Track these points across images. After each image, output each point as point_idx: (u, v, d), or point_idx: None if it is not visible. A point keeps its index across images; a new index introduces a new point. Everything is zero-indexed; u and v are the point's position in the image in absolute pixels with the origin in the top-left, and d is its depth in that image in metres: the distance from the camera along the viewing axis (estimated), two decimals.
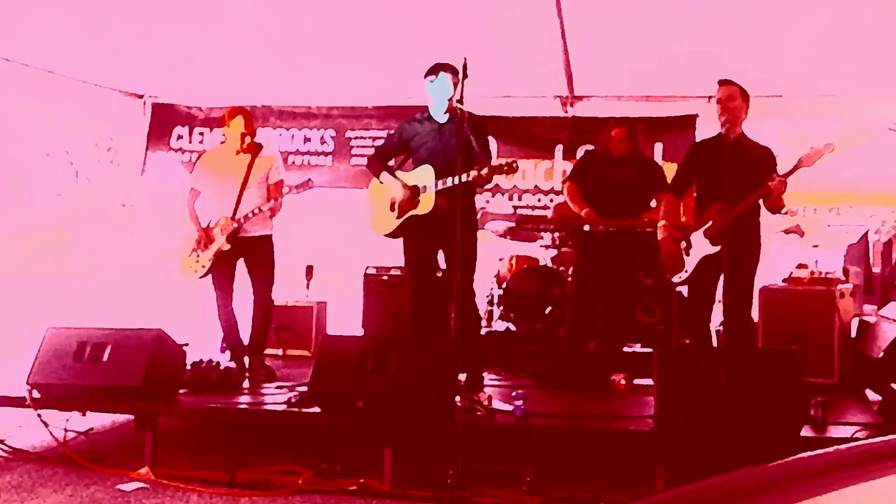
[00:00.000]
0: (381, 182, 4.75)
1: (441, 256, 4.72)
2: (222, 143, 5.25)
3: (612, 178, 5.05)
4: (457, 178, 4.27)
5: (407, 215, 4.61)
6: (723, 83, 4.46)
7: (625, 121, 5.18)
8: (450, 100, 4.49)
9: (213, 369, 4.61)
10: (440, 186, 4.41)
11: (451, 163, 4.30)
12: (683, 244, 4.52)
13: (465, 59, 4.46)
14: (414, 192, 4.58)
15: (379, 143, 7.05)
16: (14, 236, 6.72)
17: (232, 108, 5.14)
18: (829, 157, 4.18)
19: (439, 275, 4.82)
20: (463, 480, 3.65)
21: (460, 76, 4.14)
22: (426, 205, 4.50)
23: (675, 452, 3.64)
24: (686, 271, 4.49)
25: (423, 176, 4.53)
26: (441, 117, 4.59)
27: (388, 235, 4.76)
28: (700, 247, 4.43)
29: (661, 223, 4.61)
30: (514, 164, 4.32)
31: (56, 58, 6.18)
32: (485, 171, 4.23)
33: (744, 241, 4.38)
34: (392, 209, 4.68)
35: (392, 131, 4.94)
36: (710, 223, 4.38)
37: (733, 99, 4.40)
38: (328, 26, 5.61)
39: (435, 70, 4.50)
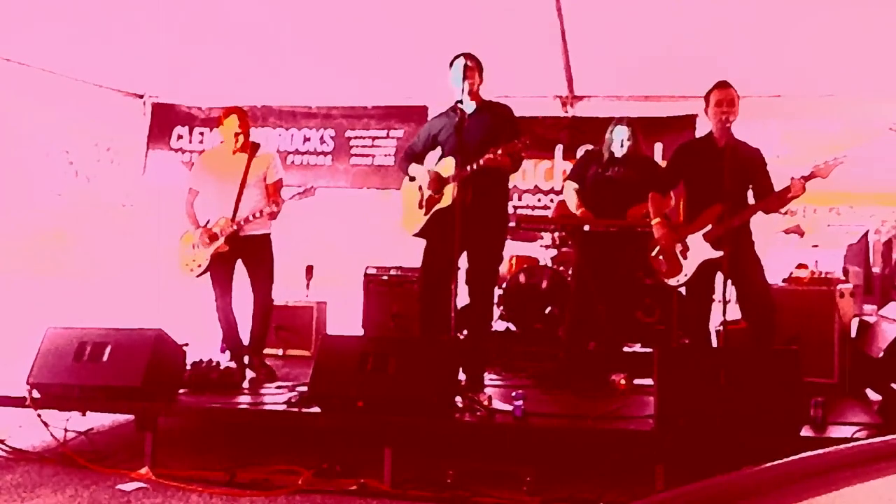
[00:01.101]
0: (411, 177, 4.68)
1: (464, 257, 4.54)
2: (221, 143, 5.25)
3: (612, 179, 5.04)
4: (473, 165, 4.23)
5: (433, 210, 4.52)
6: (722, 85, 4.46)
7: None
8: (471, 87, 4.45)
9: (213, 369, 4.61)
10: (461, 176, 4.28)
11: (473, 152, 4.25)
12: (679, 247, 4.52)
13: (466, 58, 4.48)
14: (440, 180, 4.46)
15: (379, 142, 7.11)
16: (14, 236, 6.72)
17: (227, 108, 5.14)
18: (829, 157, 4.20)
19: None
20: (463, 480, 3.66)
21: (476, 63, 4.09)
22: (449, 197, 4.39)
23: (675, 452, 3.64)
24: (685, 275, 4.49)
25: (446, 168, 4.46)
26: (468, 106, 4.50)
27: (416, 235, 4.66)
28: (700, 250, 4.43)
29: (656, 220, 4.61)
30: (526, 141, 4.25)
31: (56, 58, 6.18)
32: (499, 151, 4.15)
33: (745, 244, 4.42)
34: (420, 206, 4.60)
35: (421, 129, 4.87)
36: (710, 227, 4.39)
37: (733, 103, 4.42)
38: (328, 26, 5.61)
39: (453, 59, 4.50)
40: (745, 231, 4.44)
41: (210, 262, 4.97)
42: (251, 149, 5.07)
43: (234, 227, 4.91)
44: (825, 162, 4.18)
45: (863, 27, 5.05)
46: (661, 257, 4.58)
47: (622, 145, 5.02)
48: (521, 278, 6.16)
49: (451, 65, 4.51)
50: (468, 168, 4.26)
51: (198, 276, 5.03)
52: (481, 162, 4.22)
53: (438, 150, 4.68)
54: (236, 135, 5.01)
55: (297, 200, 4.97)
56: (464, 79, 4.40)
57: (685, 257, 4.49)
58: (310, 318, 6.30)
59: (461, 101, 4.49)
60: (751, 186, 4.49)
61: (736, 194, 4.28)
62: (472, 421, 3.97)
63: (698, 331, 4.62)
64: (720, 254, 4.29)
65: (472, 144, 4.30)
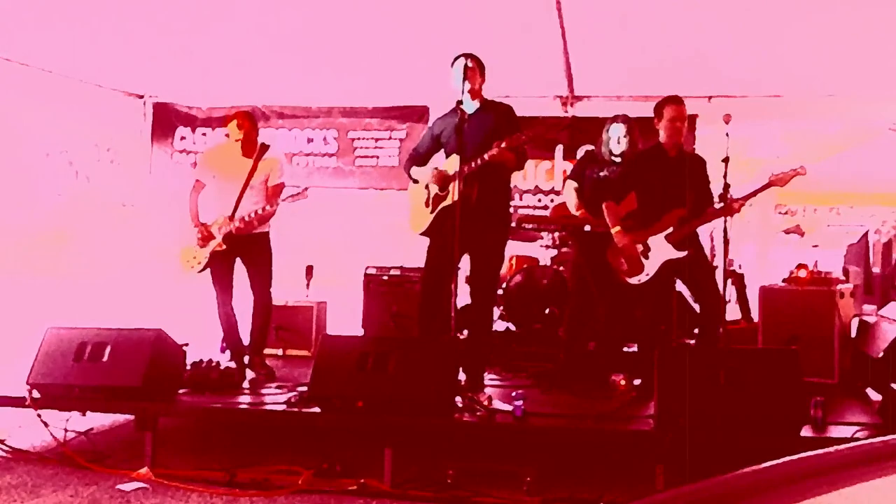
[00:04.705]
0: (415, 179, 4.67)
1: (466, 259, 4.52)
2: (227, 137, 5.23)
3: (607, 179, 5.04)
4: (478, 161, 4.23)
5: (440, 207, 4.50)
6: (672, 101, 4.65)
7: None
8: (472, 87, 4.45)
9: (213, 369, 4.61)
10: (465, 172, 4.28)
11: (477, 150, 4.25)
12: (640, 247, 4.63)
13: (466, 59, 4.47)
14: (445, 178, 4.44)
15: (381, 143, 7.12)
16: (14, 236, 6.72)
17: (236, 113, 5.12)
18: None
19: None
20: (463, 480, 3.66)
21: (477, 63, 4.14)
22: (454, 193, 4.38)
23: (675, 452, 3.64)
24: (647, 274, 4.60)
25: (450, 165, 4.45)
26: (469, 106, 4.50)
27: (423, 234, 4.63)
28: (662, 251, 4.57)
29: (617, 229, 4.66)
30: (529, 134, 4.32)
31: (56, 58, 6.18)
32: (503, 144, 4.15)
33: (700, 244, 4.74)
34: (427, 205, 4.59)
35: (424, 132, 4.89)
36: (672, 229, 4.55)
37: (683, 119, 4.66)
38: (328, 26, 5.61)
39: (454, 60, 4.50)
40: (695, 236, 4.69)
41: (209, 260, 4.98)
42: (259, 150, 5.07)
43: (233, 225, 4.92)
44: (782, 171, 4.33)
45: (863, 27, 5.05)
46: (622, 259, 4.65)
47: (619, 142, 5.03)
48: (521, 278, 6.15)
49: (452, 65, 4.51)
50: (473, 163, 4.26)
51: (199, 273, 5.04)
52: (486, 157, 4.22)
53: (442, 153, 4.68)
54: (237, 140, 5.01)
55: (290, 203, 4.96)
56: (464, 79, 4.40)
57: (647, 257, 4.58)
58: (310, 318, 6.30)
59: (462, 102, 4.49)
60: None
61: (690, 200, 4.51)
62: (472, 421, 3.98)
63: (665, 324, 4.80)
64: (683, 254, 4.50)
65: (473, 143, 4.30)
